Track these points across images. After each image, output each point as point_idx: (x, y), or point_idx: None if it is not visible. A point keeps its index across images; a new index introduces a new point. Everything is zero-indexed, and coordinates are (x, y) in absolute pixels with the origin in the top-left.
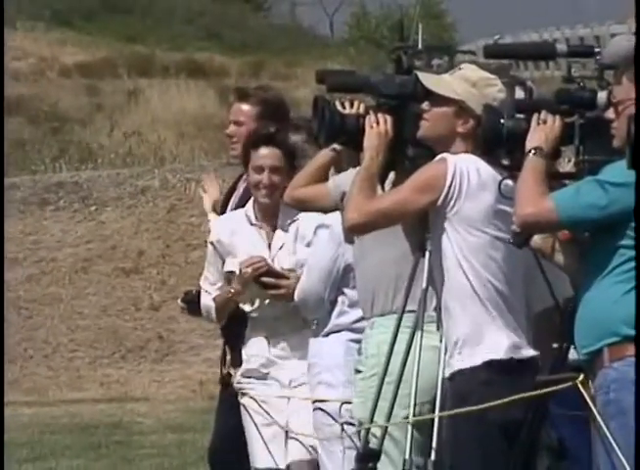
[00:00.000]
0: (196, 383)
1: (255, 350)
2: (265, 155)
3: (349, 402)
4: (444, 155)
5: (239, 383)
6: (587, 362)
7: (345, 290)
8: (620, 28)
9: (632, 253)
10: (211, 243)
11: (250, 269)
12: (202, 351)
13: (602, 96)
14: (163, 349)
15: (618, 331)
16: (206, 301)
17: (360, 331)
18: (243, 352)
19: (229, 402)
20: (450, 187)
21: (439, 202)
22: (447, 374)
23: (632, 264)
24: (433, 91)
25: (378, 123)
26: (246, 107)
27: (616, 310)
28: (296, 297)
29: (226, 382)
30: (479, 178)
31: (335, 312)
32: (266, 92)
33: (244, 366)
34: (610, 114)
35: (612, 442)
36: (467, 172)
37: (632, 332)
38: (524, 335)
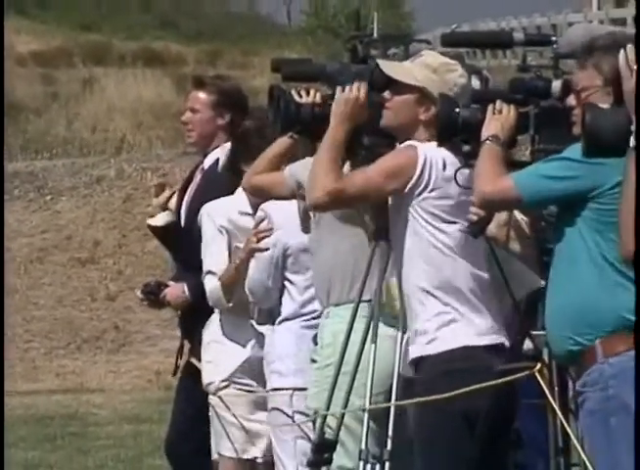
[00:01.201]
0: (152, 373)
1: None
2: None
3: (302, 389)
4: (413, 142)
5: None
6: (573, 356)
7: (289, 276)
8: (577, 17)
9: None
10: (220, 228)
11: (255, 238)
12: (158, 341)
13: (556, 85)
14: (120, 339)
15: (612, 322)
16: (212, 283)
17: (313, 318)
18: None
19: (186, 392)
20: (420, 177)
21: (406, 190)
22: (409, 362)
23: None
24: (393, 79)
25: (350, 90)
26: (202, 95)
27: (605, 300)
28: (245, 287)
29: (189, 371)
30: (446, 169)
31: (284, 300)
32: (224, 81)
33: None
34: (571, 100)
35: (576, 437)
36: (436, 162)
37: (628, 321)
38: (490, 322)
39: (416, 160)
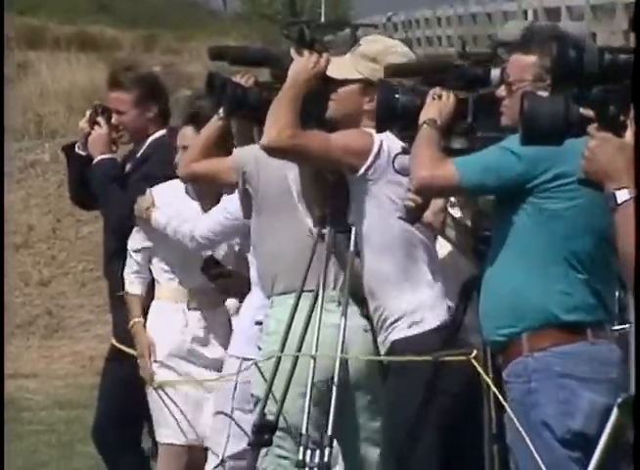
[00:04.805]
0: (86, 359)
1: None
2: None
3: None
4: (367, 130)
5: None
6: (499, 344)
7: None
8: (512, 6)
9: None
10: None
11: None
12: (91, 326)
13: (495, 73)
14: (53, 324)
15: (541, 317)
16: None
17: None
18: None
19: (111, 377)
20: (374, 161)
21: (360, 171)
22: (383, 349)
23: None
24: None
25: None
26: (122, 94)
27: (536, 295)
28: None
29: (113, 354)
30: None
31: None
32: (137, 72)
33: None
34: (501, 92)
35: (520, 429)
36: (395, 149)
37: (557, 318)
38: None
39: (372, 145)
